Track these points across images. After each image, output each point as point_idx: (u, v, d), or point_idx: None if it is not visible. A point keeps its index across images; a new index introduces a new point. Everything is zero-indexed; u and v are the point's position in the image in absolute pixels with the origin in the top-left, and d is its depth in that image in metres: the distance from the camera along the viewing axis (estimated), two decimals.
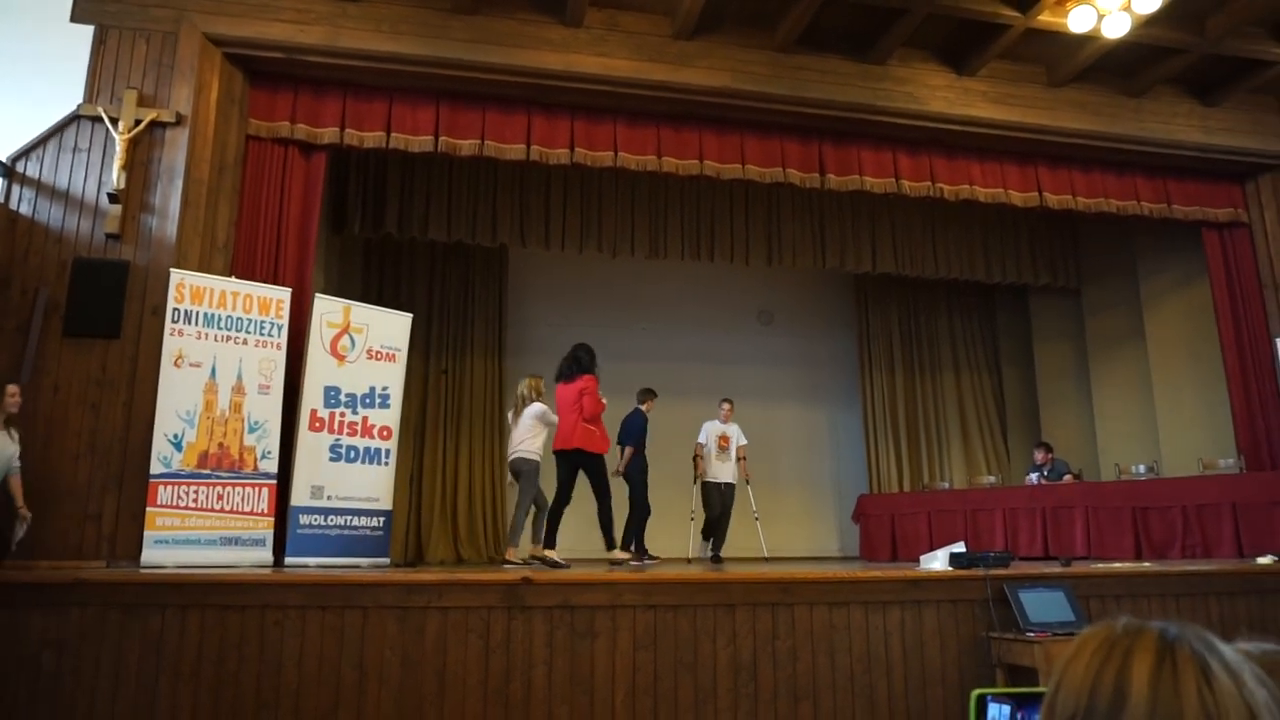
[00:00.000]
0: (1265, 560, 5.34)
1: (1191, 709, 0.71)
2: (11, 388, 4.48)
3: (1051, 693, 0.81)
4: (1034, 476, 8.28)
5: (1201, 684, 0.72)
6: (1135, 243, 9.43)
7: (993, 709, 1.20)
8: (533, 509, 6.68)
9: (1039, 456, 8.50)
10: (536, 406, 6.62)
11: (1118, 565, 5.29)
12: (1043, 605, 4.19)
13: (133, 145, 5.57)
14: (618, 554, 6.54)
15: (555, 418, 6.48)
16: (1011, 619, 4.19)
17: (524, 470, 6.50)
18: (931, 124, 7.12)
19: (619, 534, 6.67)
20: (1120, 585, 4.58)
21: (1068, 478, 8.10)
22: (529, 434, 6.54)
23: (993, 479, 9.01)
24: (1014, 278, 9.83)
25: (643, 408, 7.39)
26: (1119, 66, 7.29)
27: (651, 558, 7.04)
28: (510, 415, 6.86)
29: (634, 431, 7.19)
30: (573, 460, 6.33)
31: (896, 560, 8.10)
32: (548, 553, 6.19)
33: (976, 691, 1.22)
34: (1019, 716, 1.20)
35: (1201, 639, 0.77)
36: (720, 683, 3.95)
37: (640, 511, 6.96)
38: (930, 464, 10.57)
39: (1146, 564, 5.62)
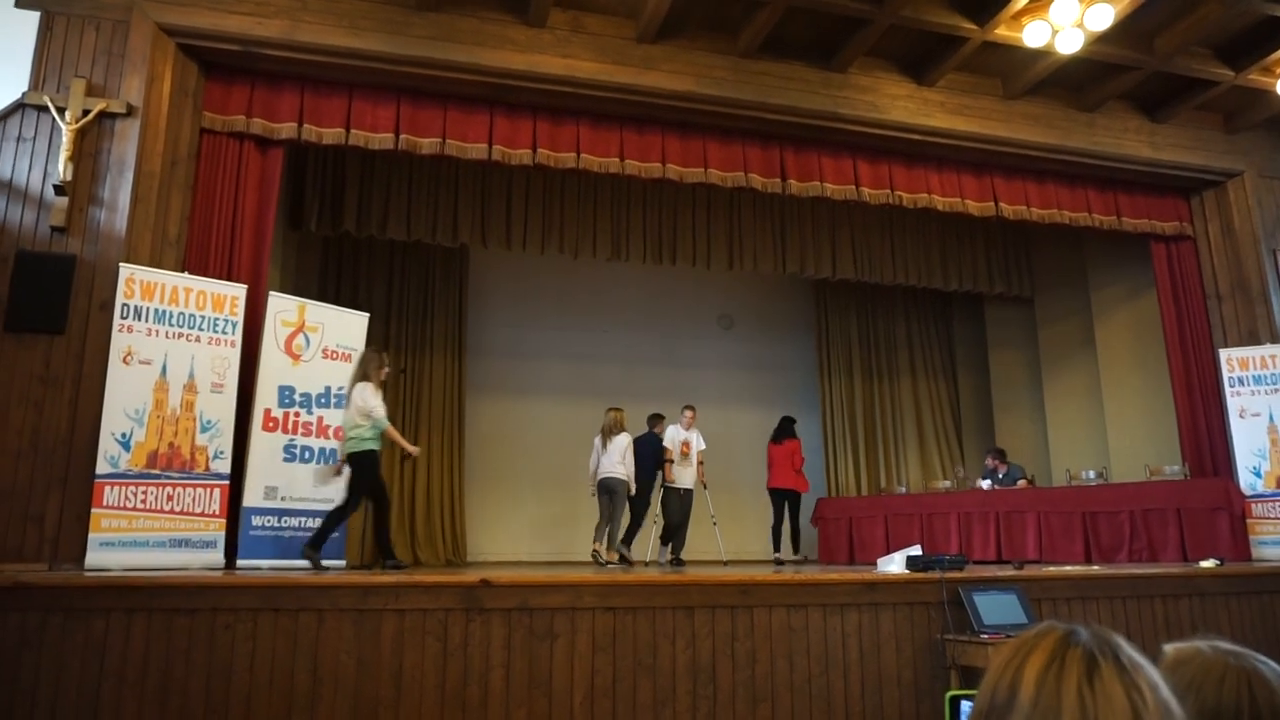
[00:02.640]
0: (1208, 564, 5.49)
1: (1069, 707, 0.75)
2: None
3: (978, 691, 0.85)
4: (986, 482, 8.42)
5: (1083, 683, 0.76)
6: (1086, 254, 9.67)
7: (966, 706, 1.21)
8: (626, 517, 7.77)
9: (990, 462, 8.65)
10: (625, 438, 7.75)
11: (1068, 569, 5.41)
12: (996, 608, 4.26)
13: (80, 136, 5.41)
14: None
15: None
16: (966, 621, 4.25)
17: (617, 490, 7.59)
18: (892, 133, 7.22)
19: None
20: (1070, 588, 4.68)
21: (1021, 483, 8.26)
22: (619, 459, 7.64)
23: (948, 484, 9.14)
24: (970, 286, 10.00)
25: (655, 430, 8.35)
26: (1072, 81, 7.46)
27: (629, 562, 7.67)
28: (599, 440, 7.84)
29: (649, 453, 8.12)
30: (784, 495, 8.85)
31: (854, 563, 8.19)
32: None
33: (950, 693, 1.23)
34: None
35: (1103, 640, 0.80)
36: (679, 684, 3.94)
37: (638, 521, 8.01)
38: (887, 468, 10.70)
39: (1095, 567, 5.75)
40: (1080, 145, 7.58)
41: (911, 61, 7.24)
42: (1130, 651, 0.79)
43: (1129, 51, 6.88)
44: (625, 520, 7.75)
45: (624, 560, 7.48)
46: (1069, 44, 6.41)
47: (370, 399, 5.63)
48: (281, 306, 5.89)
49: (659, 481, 8.08)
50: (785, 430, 9.03)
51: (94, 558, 4.74)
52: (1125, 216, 8.04)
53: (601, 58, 6.54)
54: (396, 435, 5.85)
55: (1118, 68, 7.14)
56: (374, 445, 5.62)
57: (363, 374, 5.75)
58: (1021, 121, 7.47)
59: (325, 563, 5.37)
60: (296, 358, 5.87)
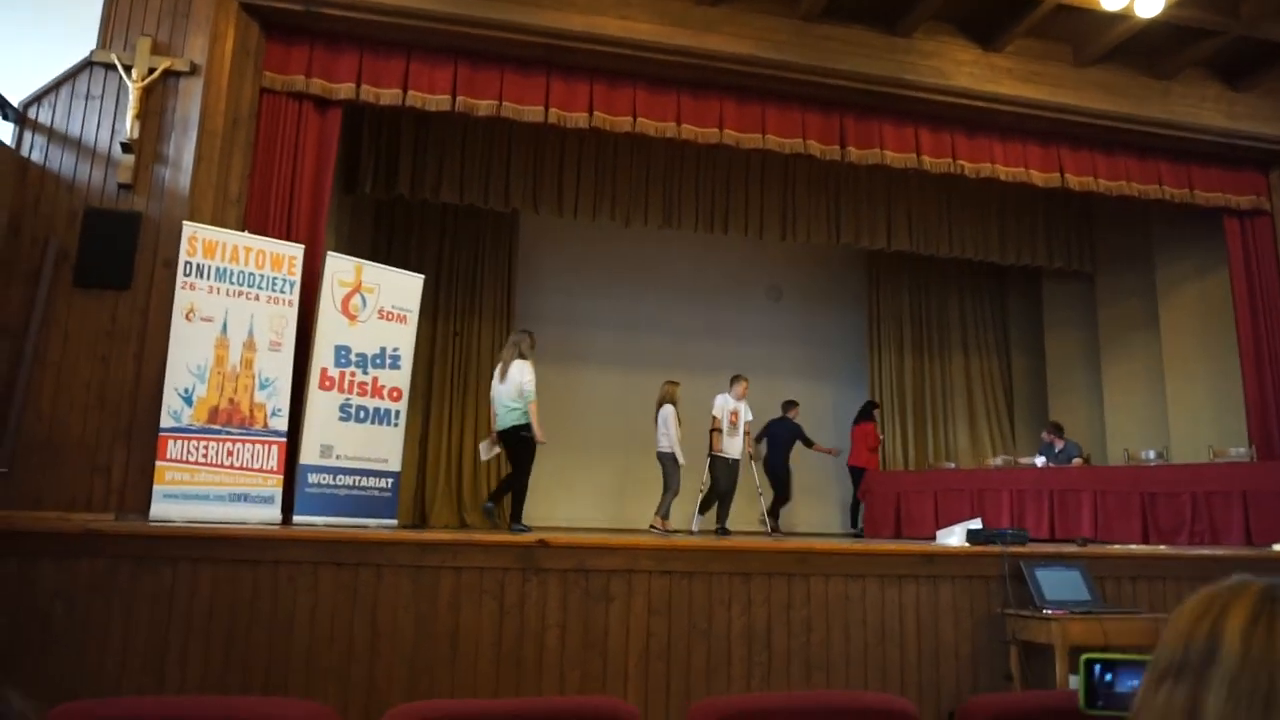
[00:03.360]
0: (1279, 548, 5.32)
1: None
2: None
3: (1156, 647, 0.81)
4: (1041, 459, 8.25)
5: None
6: (1152, 230, 9.34)
7: (1118, 674, 1.17)
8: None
9: (1047, 436, 8.46)
10: (666, 410, 7.78)
11: (1133, 547, 5.28)
12: (1059, 584, 4.17)
13: (146, 94, 5.46)
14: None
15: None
16: (1027, 596, 4.16)
17: (661, 461, 7.69)
18: (956, 99, 7.01)
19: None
20: (1135, 567, 4.56)
21: (1077, 461, 8.07)
22: (661, 431, 7.72)
23: (1000, 460, 8.97)
24: (1028, 260, 9.74)
25: (790, 415, 9.27)
26: (1147, 47, 7.17)
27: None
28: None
29: (783, 434, 9.13)
30: (855, 473, 9.43)
31: (900, 538, 8.09)
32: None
33: (1086, 656, 1.18)
34: (1108, 678, 1.16)
35: None
36: (734, 650, 3.93)
37: (783, 493, 8.96)
38: (935, 445, 10.55)
39: (1162, 547, 5.60)
40: (1154, 114, 7.29)
41: (979, 26, 7.01)
42: None
43: (1211, 15, 6.59)
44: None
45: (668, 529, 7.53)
46: (1148, 7, 6.13)
47: (529, 377, 6.20)
48: (339, 267, 5.92)
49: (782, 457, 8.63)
50: (862, 413, 9.70)
51: (158, 509, 4.85)
52: (1198, 189, 7.74)
53: (660, 19, 6.42)
54: (535, 415, 6.26)
55: (1198, 32, 6.83)
56: (527, 419, 6.20)
57: (519, 353, 6.34)
58: (1093, 89, 7.21)
59: (374, 522, 5.49)
60: (353, 318, 5.91)
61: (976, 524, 4.69)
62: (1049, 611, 3.99)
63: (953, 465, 9.26)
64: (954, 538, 4.61)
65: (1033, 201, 9.45)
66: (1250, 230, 7.92)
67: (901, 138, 7.19)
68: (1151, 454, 7.78)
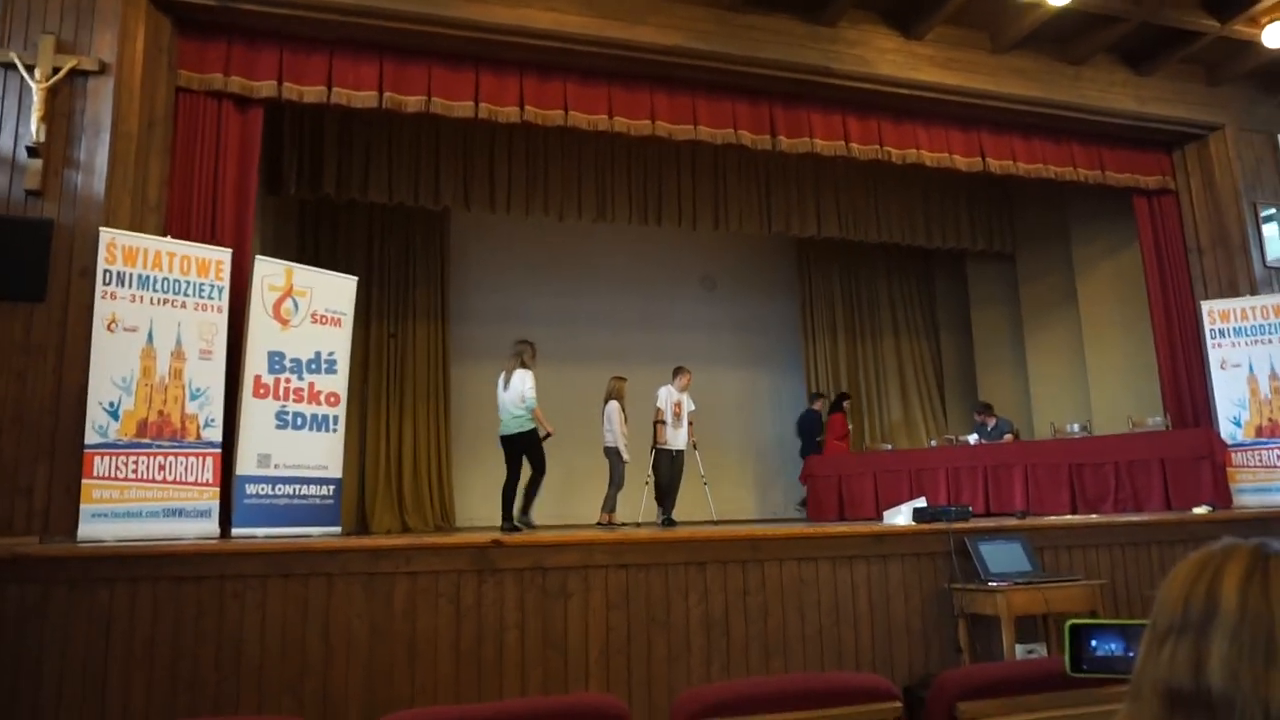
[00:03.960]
0: (1200, 510, 5.61)
1: None
2: None
3: (1153, 610, 0.83)
4: (974, 436, 8.52)
5: None
6: (1068, 210, 9.72)
7: (1101, 640, 1.21)
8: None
9: (979, 417, 8.74)
10: (610, 406, 7.85)
11: (1069, 518, 5.50)
12: (1002, 556, 4.31)
13: (52, 95, 5.18)
14: None
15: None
16: (972, 570, 4.30)
17: (607, 456, 7.75)
18: (880, 87, 7.16)
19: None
20: (1070, 536, 4.75)
21: (1008, 437, 8.36)
22: (606, 427, 7.81)
23: (935, 441, 9.23)
24: (953, 243, 10.05)
25: (815, 408, 9.86)
26: (1060, 34, 7.43)
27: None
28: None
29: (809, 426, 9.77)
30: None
31: (844, 520, 8.26)
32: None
33: (1071, 622, 1.22)
34: (1090, 643, 1.21)
35: None
36: (694, 639, 3.96)
37: None
38: (871, 426, 10.80)
39: (1094, 516, 5.85)
40: (1067, 99, 7.58)
41: (900, 14, 7.17)
42: None
43: (1117, 1, 6.85)
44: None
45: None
46: None
47: (530, 385, 6.64)
48: (268, 271, 5.74)
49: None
50: (834, 404, 10.25)
51: (86, 529, 4.63)
52: (1109, 170, 8.08)
53: (589, 11, 6.38)
54: (541, 417, 6.80)
55: (1106, 19, 7.12)
56: (531, 425, 6.66)
57: (520, 362, 6.75)
58: (1009, 75, 7.45)
59: (318, 531, 5.35)
60: (285, 323, 5.74)
61: (922, 503, 4.82)
62: (993, 584, 4.13)
63: (889, 447, 9.49)
64: (901, 517, 4.73)
65: (955, 185, 9.73)
66: (1157, 209, 8.31)
67: (829, 125, 7.31)
68: (1076, 426, 8.11)
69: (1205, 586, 0.78)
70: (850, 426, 10.17)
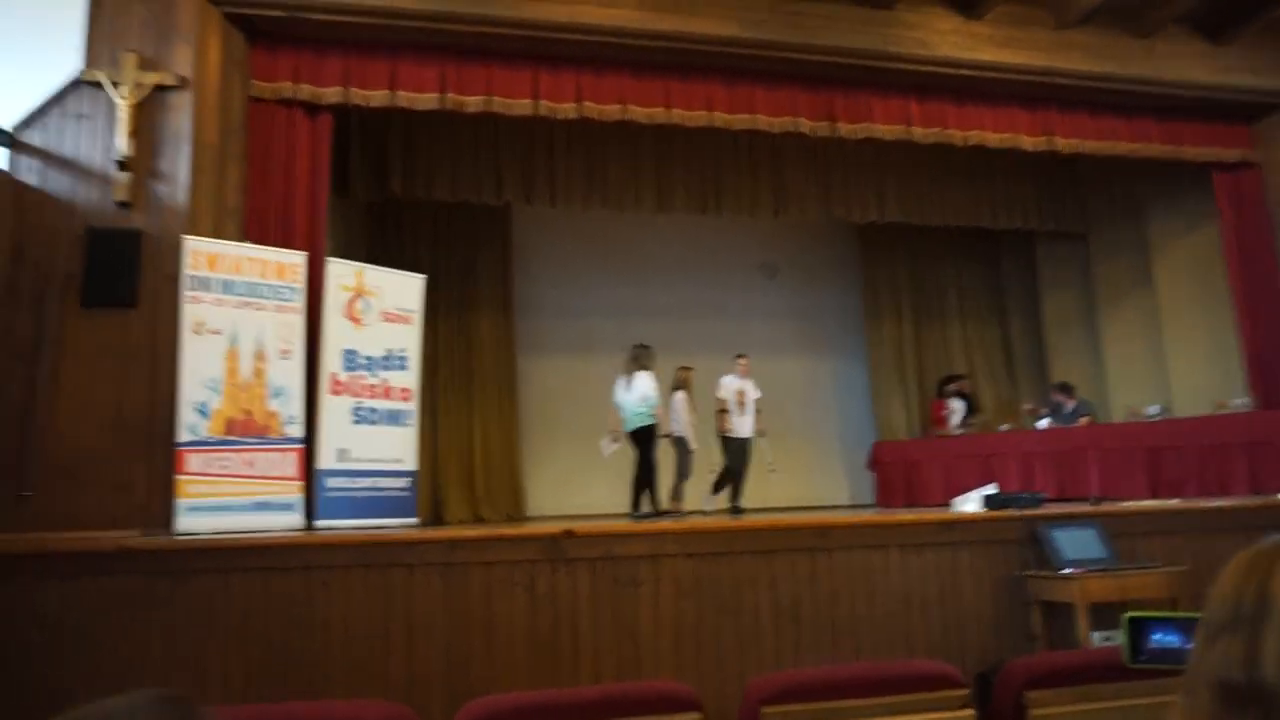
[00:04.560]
0: None
1: None
2: None
3: (1206, 606, 0.85)
4: (1044, 421, 8.33)
5: None
6: (1141, 187, 9.41)
7: (1160, 633, 1.23)
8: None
9: (1058, 397, 8.53)
10: (659, 390, 7.73)
11: (1145, 503, 5.37)
12: (1075, 543, 4.25)
13: (137, 110, 5.45)
14: None
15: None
16: (1045, 557, 4.25)
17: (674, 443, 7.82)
18: (940, 69, 7.04)
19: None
20: (1148, 522, 4.65)
21: (1085, 419, 8.15)
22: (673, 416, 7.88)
23: (1007, 426, 9.04)
24: (1019, 224, 9.80)
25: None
26: (1127, 7, 7.20)
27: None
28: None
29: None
30: None
31: (913, 506, 8.19)
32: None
33: (1129, 615, 1.24)
34: (1151, 634, 1.23)
35: None
36: (763, 626, 4.00)
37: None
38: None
39: (1173, 501, 5.70)
40: (1139, 73, 7.34)
41: None
42: None
43: None
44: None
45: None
46: None
47: (652, 386, 7.27)
48: (339, 272, 5.95)
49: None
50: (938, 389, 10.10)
51: (183, 522, 4.89)
52: (1187, 145, 7.80)
53: (643, 5, 6.42)
54: (663, 414, 7.43)
55: None
56: (653, 420, 7.25)
57: (641, 366, 7.40)
58: (1075, 51, 7.24)
59: (396, 522, 5.56)
60: (358, 321, 5.94)
61: (993, 489, 4.77)
62: (1068, 571, 4.08)
63: (960, 431, 9.33)
64: (970, 504, 4.69)
65: (1021, 166, 9.49)
66: (1239, 183, 7.99)
67: (890, 110, 7.22)
68: (1155, 409, 7.87)
69: (1257, 582, 0.80)
70: (948, 411, 9.64)
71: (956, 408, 9.46)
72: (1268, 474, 6.43)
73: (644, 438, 7.28)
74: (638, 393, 7.29)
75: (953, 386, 9.77)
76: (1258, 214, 7.88)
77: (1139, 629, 1.22)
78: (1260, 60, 7.62)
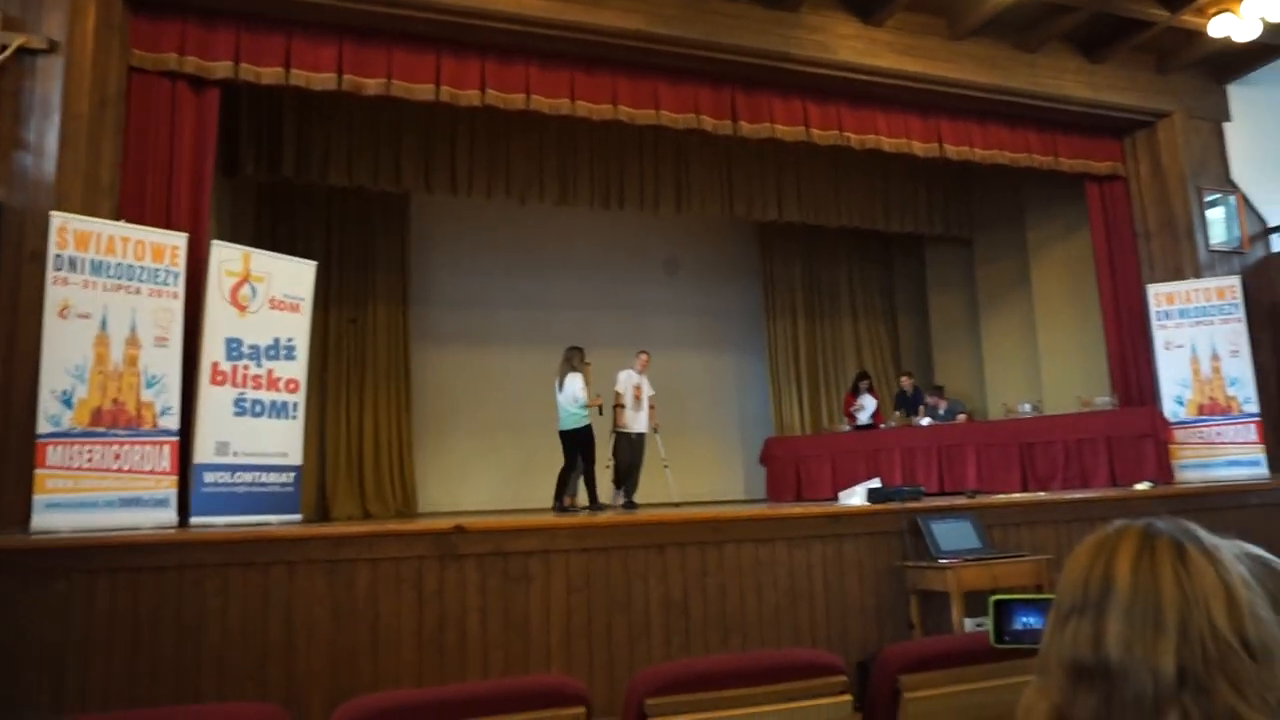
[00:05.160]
0: (1142, 486, 5.82)
1: (1168, 589, 0.80)
2: None
3: (1057, 590, 0.90)
4: (927, 419, 8.70)
5: (1177, 567, 0.81)
6: (1023, 195, 9.91)
7: (1026, 614, 1.30)
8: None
9: (931, 400, 8.93)
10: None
11: (1016, 496, 5.67)
12: (952, 534, 4.45)
13: (0, 73, 5.07)
14: None
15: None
16: (924, 548, 4.43)
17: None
18: (840, 73, 7.23)
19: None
20: (1018, 514, 4.91)
21: (961, 417, 8.56)
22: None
23: (892, 423, 9.40)
24: (911, 227, 10.19)
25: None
26: (1017, 21, 7.55)
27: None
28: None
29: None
30: None
31: (801, 501, 8.41)
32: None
33: (995, 597, 1.31)
34: (1013, 616, 1.29)
35: (1181, 529, 0.87)
36: (653, 620, 4.04)
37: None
38: (829, 408, 10.95)
39: (1041, 494, 6.03)
40: (1022, 86, 7.71)
41: (860, 0, 7.23)
42: (1208, 535, 0.85)
43: None
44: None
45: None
46: None
47: (580, 387, 7.45)
48: (225, 256, 5.67)
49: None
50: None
51: (40, 520, 4.57)
52: (1062, 157, 8.25)
53: None
54: (592, 407, 7.60)
55: (1061, 7, 7.25)
56: (586, 420, 7.51)
57: (571, 367, 7.53)
58: (966, 62, 7.56)
59: (278, 518, 5.36)
60: (243, 309, 5.68)
61: (876, 483, 4.94)
62: (944, 561, 4.26)
63: (846, 427, 9.64)
64: (856, 497, 4.85)
65: (914, 171, 9.86)
66: (1108, 194, 8.52)
67: (790, 111, 7.37)
68: (1027, 406, 8.32)
69: (1101, 568, 0.84)
70: (856, 406, 9.92)
71: (866, 404, 9.77)
72: (1125, 468, 6.88)
73: (574, 437, 7.47)
74: (568, 393, 7.50)
75: (865, 383, 10.12)
76: (1124, 224, 8.42)
77: (1003, 611, 1.28)
78: (1130, 79, 8.13)
